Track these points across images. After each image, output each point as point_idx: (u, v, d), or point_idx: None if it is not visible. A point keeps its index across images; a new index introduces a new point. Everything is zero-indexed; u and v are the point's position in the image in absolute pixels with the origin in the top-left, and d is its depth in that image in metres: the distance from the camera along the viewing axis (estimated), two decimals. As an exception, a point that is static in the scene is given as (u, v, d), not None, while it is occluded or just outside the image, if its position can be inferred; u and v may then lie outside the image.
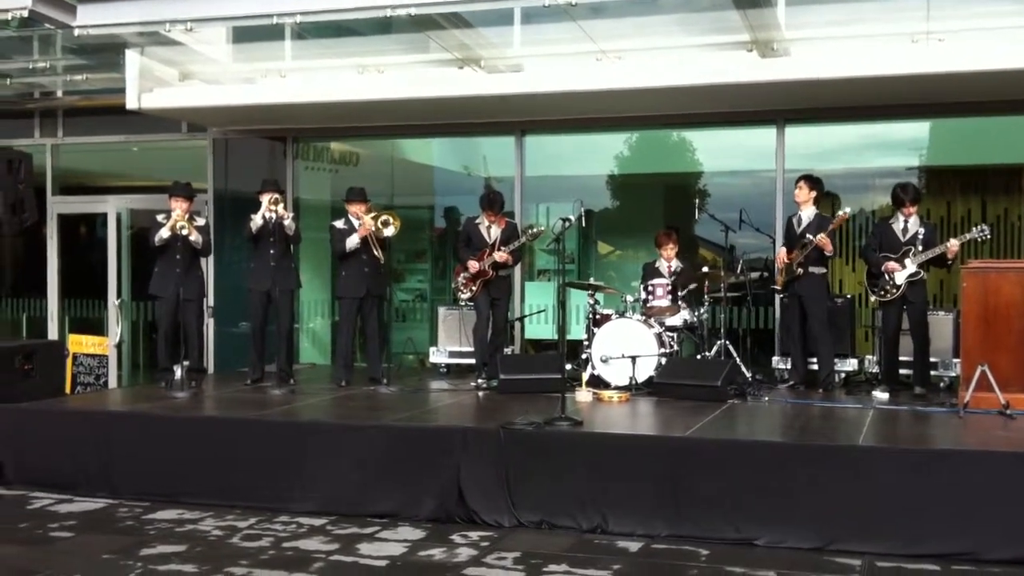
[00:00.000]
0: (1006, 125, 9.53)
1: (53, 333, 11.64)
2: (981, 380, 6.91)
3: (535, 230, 8.90)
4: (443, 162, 12.02)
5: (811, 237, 8.18)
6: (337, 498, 6.48)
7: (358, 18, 8.20)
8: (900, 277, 7.88)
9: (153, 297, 8.98)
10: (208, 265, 10.15)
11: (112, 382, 11.01)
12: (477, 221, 8.94)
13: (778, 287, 8.71)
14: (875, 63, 8.07)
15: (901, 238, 7.98)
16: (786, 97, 8.98)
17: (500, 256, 8.68)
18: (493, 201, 8.84)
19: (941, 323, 8.55)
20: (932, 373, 8.30)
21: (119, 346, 11.19)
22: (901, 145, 10.14)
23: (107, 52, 9.59)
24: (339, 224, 8.89)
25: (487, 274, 8.75)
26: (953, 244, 7.75)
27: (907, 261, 7.87)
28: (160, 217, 8.64)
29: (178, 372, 8.43)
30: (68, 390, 10.41)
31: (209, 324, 10.65)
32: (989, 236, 7.86)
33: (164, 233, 8.51)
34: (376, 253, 8.62)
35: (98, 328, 11.38)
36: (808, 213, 8.41)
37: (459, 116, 10.12)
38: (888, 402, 7.66)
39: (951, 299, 9.33)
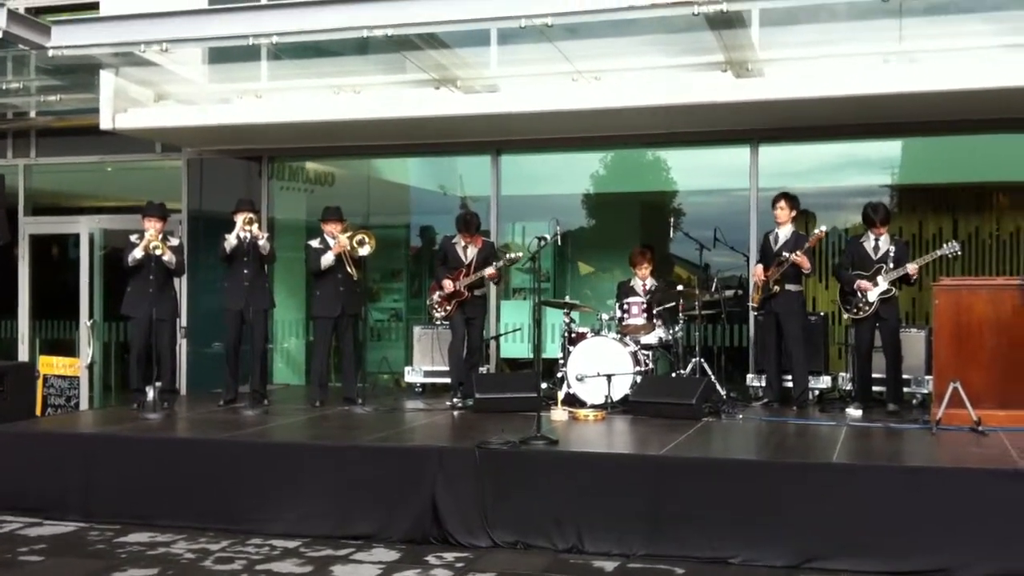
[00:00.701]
0: (977, 144, 9.64)
1: (24, 355, 11.50)
2: (953, 397, 6.95)
3: (511, 255, 8.91)
4: (419, 181, 12.03)
5: (787, 255, 8.22)
6: (311, 520, 6.43)
7: (335, 39, 8.21)
8: (872, 295, 7.93)
9: (126, 318, 8.91)
10: (182, 285, 10.09)
11: (83, 404, 10.89)
12: (454, 240, 8.94)
13: (754, 304, 8.74)
14: (848, 83, 8.15)
15: (873, 256, 8.03)
16: (760, 117, 9.05)
17: (489, 272, 8.68)
18: (469, 222, 8.84)
19: (914, 340, 8.61)
20: (905, 390, 8.35)
21: (90, 367, 11.07)
22: (874, 164, 10.23)
23: (82, 73, 9.55)
24: (314, 243, 8.87)
25: (462, 295, 8.75)
26: (911, 267, 7.81)
27: (879, 279, 7.92)
28: (133, 237, 8.60)
29: (150, 393, 8.35)
30: (39, 412, 10.32)
31: (182, 344, 10.57)
32: (960, 253, 7.92)
33: (137, 253, 8.46)
34: (351, 271, 8.60)
35: (69, 349, 11.27)
36: (785, 231, 8.46)
37: (435, 136, 10.13)
38: (861, 419, 7.69)
39: (923, 316, 9.40)
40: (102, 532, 6.54)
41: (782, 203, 8.45)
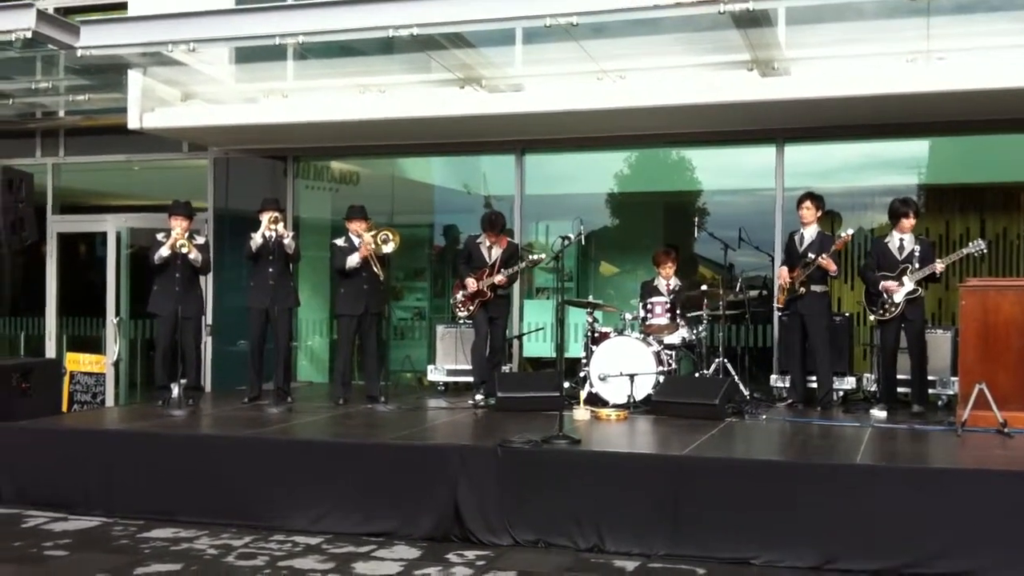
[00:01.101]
0: (1005, 143, 9.54)
1: (51, 351, 11.64)
2: (979, 398, 6.88)
3: (535, 257, 8.91)
4: (443, 180, 12.05)
5: (813, 256, 8.17)
6: (333, 517, 6.45)
7: (361, 38, 8.24)
8: (898, 296, 7.87)
9: (152, 315, 8.98)
10: (207, 283, 10.17)
11: (109, 400, 11.00)
12: (479, 240, 8.95)
13: (779, 305, 8.69)
14: (875, 82, 8.09)
15: (898, 256, 7.96)
16: (786, 116, 9.01)
17: (499, 279, 8.68)
18: (494, 223, 8.84)
19: (939, 341, 8.53)
20: (930, 391, 8.28)
21: (117, 364, 11.18)
22: (900, 163, 10.14)
23: (110, 72, 9.63)
24: (339, 242, 8.91)
25: (485, 295, 8.76)
26: (939, 265, 7.74)
27: (904, 279, 7.86)
28: (160, 236, 8.67)
29: (175, 390, 8.43)
30: (65, 408, 10.42)
31: (208, 342, 10.65)
32: (986, 251, 7.84)
33: (164, 251, 8.53)
34: (376, 270, 8.63)
35: (96, 346, 11.38)
36: (811, 231, 8.40)
37: (460, 135, 10.15)
38: (886, 420, 7.63)
39: (949, 317, 9.32)
40: (126, 527, 6.60)
41: (808, 203, 8.38)
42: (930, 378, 8.25)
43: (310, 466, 6.64)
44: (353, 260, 8.69)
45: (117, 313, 11.31)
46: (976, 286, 7.53)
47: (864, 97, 8.21)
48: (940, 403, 8.42)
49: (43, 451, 7.27)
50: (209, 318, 10.51)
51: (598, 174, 11.05)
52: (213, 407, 8.83)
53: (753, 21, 7.41)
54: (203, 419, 8.18)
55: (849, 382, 8.72)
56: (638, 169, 11.10)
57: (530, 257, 8.91)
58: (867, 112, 8.75)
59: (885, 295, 7.92)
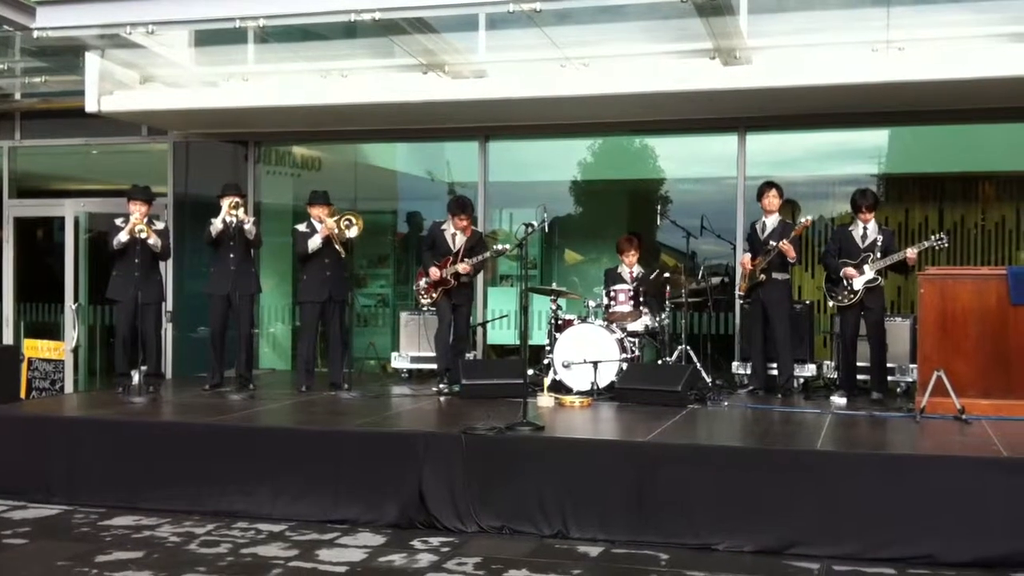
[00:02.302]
0: (964, 133, 9.69)
1: (8, 338, 11.46)
2: (937, 385, 6.99)
3: (500, 247, 8.90)
4: (406, 167, 12.00)
5: (774, 243, 8.24)
6: (296, 504, 6.42)
7: (322, 22, 8.17)
8: (858, 283, 7.96)
9: (111, 301, 8.87)
10: (167, 269, 10.05)
11: (68, 387, 10.86)
12: (443, 227, 8.91)
13: (741, 293, 8.76)
14: (836, 71, 8.16)
15: (860, 244, 8.05)
16: (748, 105, 9.06)
17: (462, 267, 8.66)
18: (464, 205, 8.81)
19: (899, 329, 8.65)
20: (889, 379, 8.40)
21: (75, 351, 11.03)
22: (861, 153, 10.25)
23: (67, 55, 9.48)
24: (301, 227, 8.84)
25: (448, 283, 8.74)
26: (911, 253, 7.83)
27: (865, 267, 7.95)
28: (119, 221, 8.56)
29: (136, 377, 8.33)
30: (23, 395, 10.28)
31: (168, 329, 10.54)
32: (947, 244, 7.96)
33: (123, 237, 8.42)
34: (339, 250, 8.57)
35: (54, 333, 11.23)
36: (772, 219, 8.47)
37: (423, 121, 10.10)
38: (846, 407, 7.73)
39: (908, 305, 9.45)
40: (87, 515, 6.53)
41: (773, 192, 8.45)
42: (889, 365, 8.36)
43: (273, 454, 6.60)
44: (315, 242, 8.63)
45: (76, 299, 11.16)
46: (935, 275, 7.63)
47: (825, 86, 8.28)
48: (899, 390, 8.54)
49: (1, 439, 7.15)
50: (169, 304, 10.39)
51: (562, 162, 11.06)
52: (174, 394, 8.75)
53: (715, 10, 7.44)
54: (164, 406, 8.10)
55: (810, 369, 8.81)
56: (602, 157, 11.13)
57: (495, 247, 8.91)
58: (828, 101, 8.82)
59: (845, 281, 8.01)
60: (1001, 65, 7.84)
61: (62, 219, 11.31)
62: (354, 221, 8.48)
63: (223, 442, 6.76)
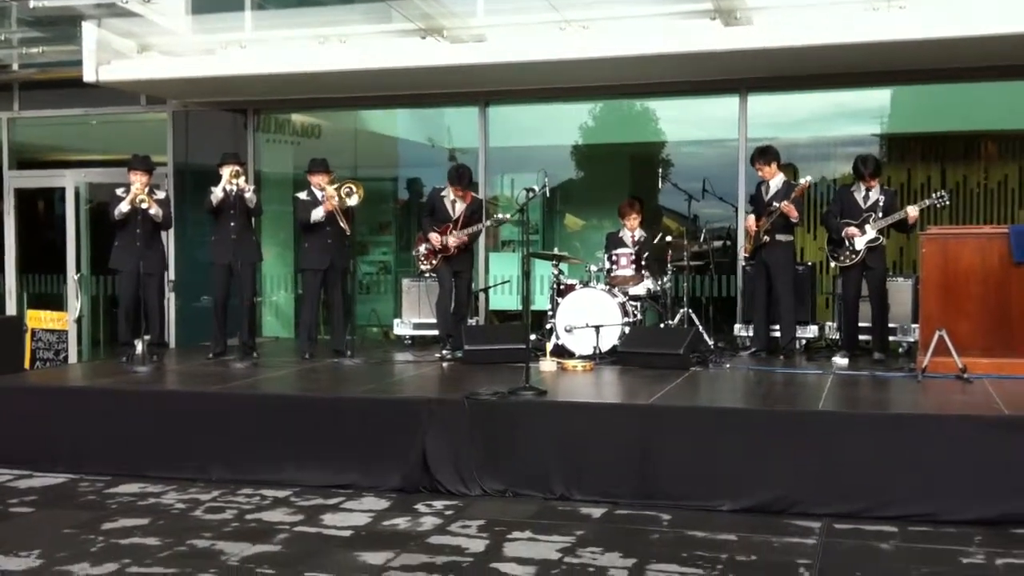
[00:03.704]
0: (966, 92, 9.60)
1: (11, 309, 11.49)
2: (939, 345, 7.00)
3: (500, 216, 8.87)
4: (407, 134, 11.96)
5: (777, 204, 8.22)
6: (301, 470, 6.45)
7: (320, -14, 8.13)
8: (860, 243, 7.94)
9: (113, 271, 8.88)
10: (169, 239, 10.05)
11: (72, 357, 10.90)
12: (443, 193, 8.89)
13: (746, 254, 8.75)
14: (836, 31, 8.10)
15: (862, 205, 8.03)
16: (749, 66, 8.99)
17: (452, 241, 8.66)
18: (462, 175, 8.79)
19: (900, 289, 8.65)
20: (891, 339, 8.41)
21: (79, 321, 11.06)
22: (863, 113, 10.19)
23: (64, 24, 9.46)
24: (302, 196, 8.83)
25: (448, 250, 8.73)
26: (912, 211, 7.82)
27: (867, 227, 7.93)
28: (119, 191, 8.54)
29: (139, 346, 8.36)
30: (27, 365, 10.32)
31: (170, 298, 10.56)
32: (948, 202, 7.95)
33: (124, 207, 8.41)
34: (343, 225, 8.57)
35: (57, 303, 11.25)
36: (776, 181, 8.44)
37: (422, 87, 10.05)
38: (848, 368, 7.74)
39: (910, 265, 9.44)
40: (92, 483, 6.57)
41: (759, 163, 8.46)
42: (891, 326, 8.37)
43: (277, 420, 6.63)
44: (318, 214, 8.62)
45: (78, 270, 11.17)
46: (937, 234, 7.61)
47: (826, 46, 8.22)
48: (901, 350, 8.55)
49: (6, 409, 7.18)
50: (172, 274, 10.41)
51: (563, 126, 11.01)
52: (177, 363, 8.77)
53: (716, -30, 7.38)
54: (168, 375, 8.12)
55: (812, 330, 8.82)
56: (602, 121, 11.07)
57: (495, 216, 8.89)
58: (829, 61, 8.76)
59: (847, 242, 7.99)
60: (1003, 22, 7.76)
61: (63, 190, 11.32)
62: (354, 189, 8.46)
63: (227, 410, 6.79)
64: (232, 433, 6.66)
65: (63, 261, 11.25)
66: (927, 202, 7.90)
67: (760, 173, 8.50)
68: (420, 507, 5.91)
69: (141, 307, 8.44)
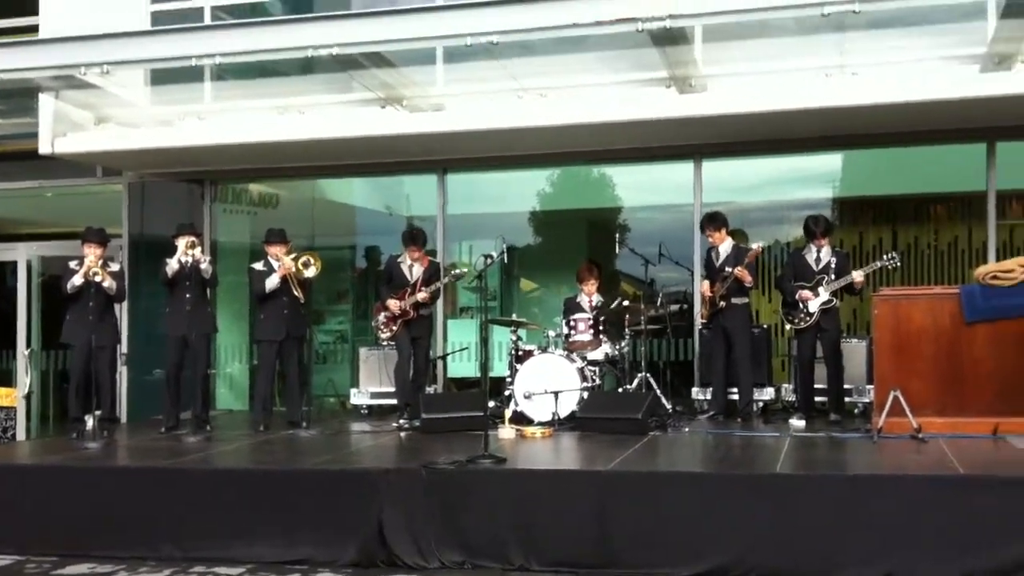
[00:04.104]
0: (916, 155, 9.78)
1: (-41, 386, 11.25)
2: (894, 405, 7.03)
3: (458, 271, 8.88)
4: (365, 202, 11.98)
5: (730, 270, 8.29)
6: (255, 546, 6.29)
7: (280, 59, 8.17)
8: (813, 305, 8.02)
9: (65, 346, 8.74)
10: (122, 311, 9.92)
11: (20, 435, 10.64)
12: (399, 259, 8.89)
13: (703, 320, 8.80)
14: (790, 97, 8.27)
15: (814, 267, 8.13)
16: (703, 132, 9.13)
17: (421, 296, 8.64)
18: (416, 236, 8.80)
19: (855, 350, 8.70)
20: (847, 400, 8.45)
21: (28, 397, 10.82)
22: (816, 177, 10.37)
23: (20, 96, 9.39)
24: (258, 266, 8.76)
25: (408, 314, 8.70)
26: (858, 276, 7.92)
27: (820, 289, 8.02)
28: (73, 264, 8.45)
29: (90, 422, 8.19)
30: (-25, 444, 10.06)
31: (122, 372, 10.38)
32: (899, 264, 8.05)
33: (77, 280, 8.32)
34: (296, 293, 8.52)
35: (6, 379, 11.02)
36: (726, 246, 8.54)
37: (381, 155, 10.09)
38: (804, 429, 7.76)
39: (864, 327, 9.52)
40: (39, 564, 6.36)
41: (708, 229, 8.57)
42: (847, 386, 8.42)
43: (230, 495, 6.48)
44: (272, 281, 8.57)
45: (28, 344, 10.97)
46: (889, 295, 7.70)
47: (779, 112, 8.38)
48: (857, 411, 8.58)
49: (-49, 488, 6.99)
50: (124, 346, 10.26)
51: (521, 192, 11.10)
52: (129, 438, 8.59)
53: (671, 39, 7.51)
54: (119, 451, 7.95)
55: (768, 393, 8.85)
56: (560, 187, 11.17)
57: (452, 272, 8.90)
58: (782, 127, 8.92)
59: (801, 304, 8.06)
60: (952, 87, 7.97)
61: (14, 264, 11.16)
62: (312, 261, 8.45)
63: (179, 485, 6.63)
64: (184, 509, 6.50)
65: (13, 335, 11.05)
66: (878, 264, 8.00)
67: (710, 239, 8.61)
68: (377, 582, 5.79)
69: (92, 381, 8.29)
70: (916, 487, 5.64)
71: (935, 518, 5.48)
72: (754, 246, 8.45)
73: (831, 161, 10.34)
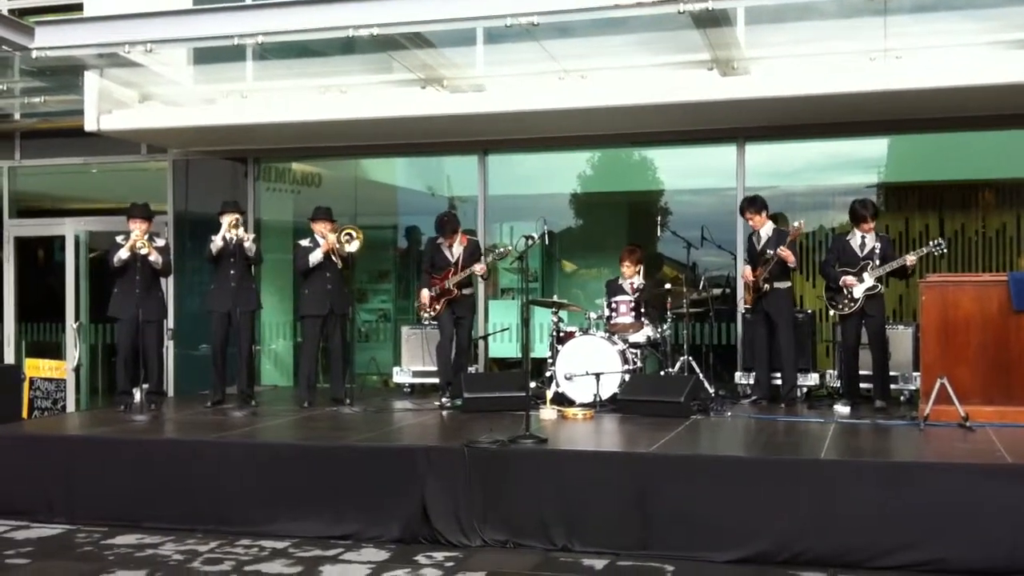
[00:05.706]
0: (962, 141, 9.66)
1: (9, 357, 11.46)
2: (941, 393, 6.97)
3: (501, 250, 8.91)
4: (406, 182, 12.01)
5: (772, 252, 8.24)
6: (300, 520, 6.39)
7: (321, 39, 8.19)
8: (858, 291, 7.96)
9: (112, 319, 8.86)
10: (168, 287, 10.05)
11: (70, 406, 10.84)
12: (439, 241, 8.93)
13: (747, 304, 8.76)
14: (833, 81, 8.17)
15: (859, 253, 8.06)
16: (746, 115, 9.07)
17: (478, 268, 8.69)
18: (444, 225, 8.85)
19: (901, 337, 8.64)
20: (892, 386, 8.38)
21: (77, 370, 11.02)
22: (860, 162, 10.25)
23: (66, 74, 9.49)
24: (304, 242, 8.85)
25: (451, 293, 8.74)
26: (911, 258, 7.85)
27: (865, 275, 7.95)
28: (119, 238, 8.56)
29: (137, 395, 8.32)
30: (25, 415, 10.26)
31: (169, 346, 10.53)
32: (946, 250, 7.96)
33: (123, 253, 8.42)
34: (339, 265, 8.58)
35: (56, 352, 11.22)
36: (766, 230, 8.49)
37: (422, 136, 10.12)
38: (849, 416, 7.71)
39: (910, 313, 9.44)
40: (89, 534, 6.51)
41: (748, 213, 8.51)
42: (892, 373, 8.35)
43: (275, 470, 6.58)
44: (316, 256, 8.65)
45: (77, 318, 11.16)
46: (936, 282, 7.62)
47: (823, 96, 8.29)
48: (903, 398, 8.52)
49: (3, 459, 7.13)
50: (171, 322, 10.39)
51: (562, 174, 11.07)
52: (176, 412, 8.73)
53: (713, 21, 7.46)
54: (166, 424, 8.08)
55: (813, 378, 8.80)
56: (601, 169, 11.14)
57: (497, 250, 8.95)
58: (826, 111, 8.83)
59: (845, 290, 8.01)
60: (998, 72, 7.86)
61: (63, 238, 11.34)
62: (354, 235, 8.50)
63: (225, 459, 6.74)
64: (230, 482, 6.61)
65: (62, 309, 11.24)
66: (924, 250, 7.92)
67: (750, 223, 8.56)
68: (420, 558, 5.85)
69: (140, 355, 8.41)
70: (963, 476, 5.59)
71: (982, 507, 5.44)
72: (795, 224, 8.39)
73: (876, 146, 10.22)
